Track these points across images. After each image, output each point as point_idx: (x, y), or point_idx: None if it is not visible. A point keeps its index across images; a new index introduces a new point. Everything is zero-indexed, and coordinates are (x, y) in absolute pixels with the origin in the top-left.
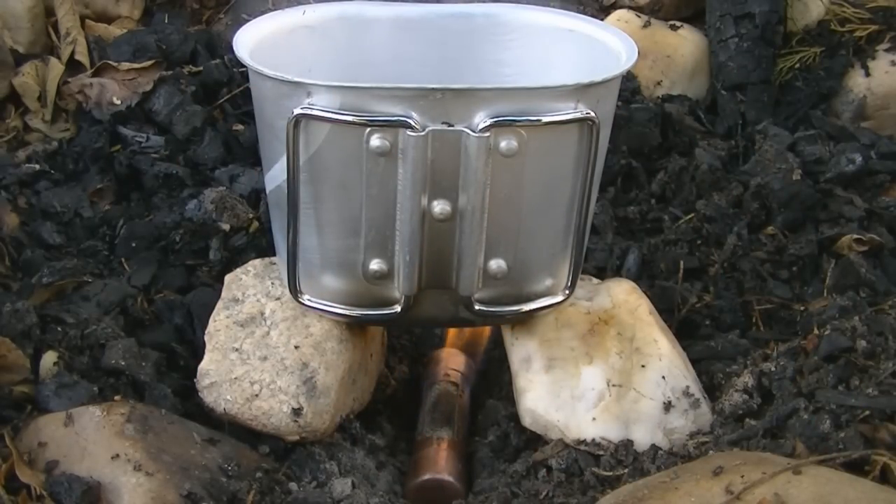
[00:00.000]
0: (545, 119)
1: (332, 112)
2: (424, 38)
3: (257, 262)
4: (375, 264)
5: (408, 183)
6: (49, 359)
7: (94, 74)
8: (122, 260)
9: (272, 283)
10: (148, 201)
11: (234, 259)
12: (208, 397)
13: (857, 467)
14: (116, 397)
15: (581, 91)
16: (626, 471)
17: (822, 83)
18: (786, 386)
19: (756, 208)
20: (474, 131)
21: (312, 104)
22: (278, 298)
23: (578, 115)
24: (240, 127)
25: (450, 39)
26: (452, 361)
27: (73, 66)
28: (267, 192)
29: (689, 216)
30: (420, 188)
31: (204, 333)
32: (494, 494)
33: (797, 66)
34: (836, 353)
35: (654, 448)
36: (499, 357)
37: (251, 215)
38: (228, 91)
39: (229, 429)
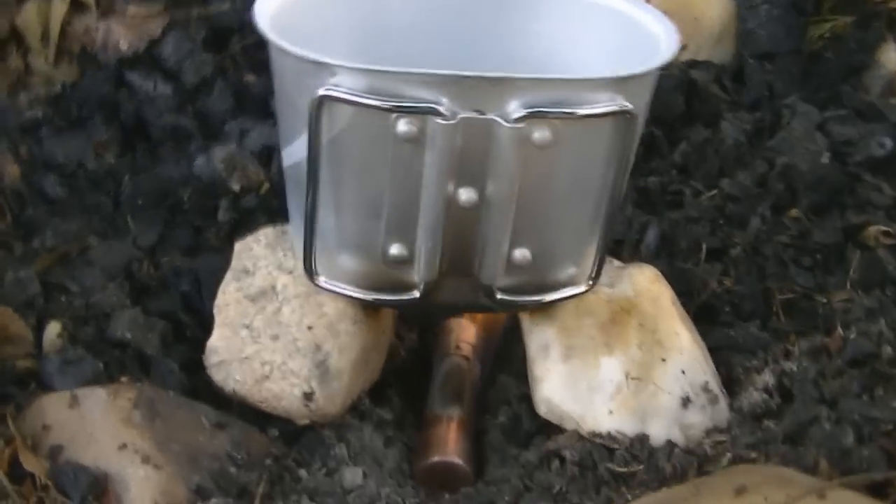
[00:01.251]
0: (581, 112)
1: (358, 95)
2: (450, 3)
3: (269, 230)
4: (396, 248)
5: (434, 169)
6: (53, 330)
7: (101, 16)
8: (128, 218)
9: (284, 255)
10: (154, 153)
11: (244, 221)
12: (217, 375)
13: (879, 490)
14: (123, 378)
15: (620, 83)
16: (640, 467)
17: (853, 56)
18: (807, 390)
19: (781, 189)
20: (507, 121)
21: (337, 85)
22: (291, 272)
23: (615, 108)
24: (251, 77)
25: (479, 6)
26: (464, 333)
27: (77, 7)
28: (284, 166)
29: (712, 192)
30: (447, 175)
31: (211, 302)
32: (507, 487)
33: (827, 34)
34: (861, 358)
35: (671, 444)
36: (510, 326)
37: (262, 176)
38: (240, 38)
39: (238, 409)
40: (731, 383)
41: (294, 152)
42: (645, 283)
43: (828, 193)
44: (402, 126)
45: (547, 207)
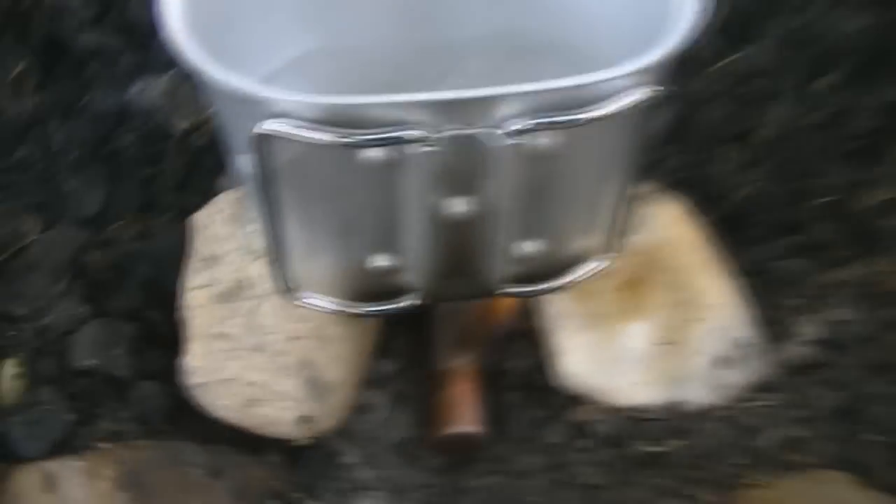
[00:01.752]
0: (589, 116)
1: (308, 128)
2: None
3: (228, 196)
4: (381, 260)
5: (414, 189)
6: (9, 372)
7: None
8: (65, 179)
9: (252, 230)
10: (78, 78)
11: (196, 164)
12: (201, 398)
13: None
14: (101, 444)
15: (635, 76)
16: (675, 444)
17: None
18: (860, 349)
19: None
20: (501, 135)
21: (281, 116)
22: (263, 256)
23: (632, 101)
24: None
25: None
26: None
27: None
28: (236, 168)
29: (732, 57)
30: (431, 193)
31: (176, 281)
32: (535, 481)
33: None
34: None
35: (708, 412)
36: None
37: (211, 108)
38: None
39: (230, 434)
40: (773, 324)
41: (244, 164)
42: (670, 225)
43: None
44: (371, 153)
45: (557, 203)
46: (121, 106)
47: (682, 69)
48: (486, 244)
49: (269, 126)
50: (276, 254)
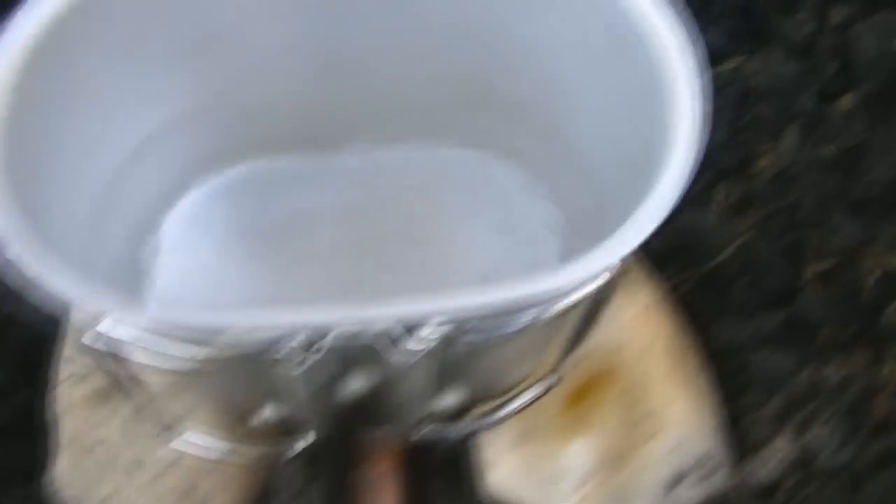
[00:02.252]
0: (517, 327)
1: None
2: None
3: None
4: (269, 411)
5: (298, 383)
6: None
7: None
8: None
9: None
10: None
11: None
12: None
13: None
14: None
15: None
16: None
17: None
18: (837, 480)
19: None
20: (406, 348)
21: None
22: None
23: (576, 300)
24: None
25: None
26: None
27: None
28: None
29: (732, 64)
30: (318, 386)
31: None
32: None
33: None
34: None
35: None
36: None
37: None
38: None
39: None
40: (739, 435)
41: None
42: (633, 323)
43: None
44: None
45: (479, 375)
46: None
47: None
48: (391, 408)
49: (89, 342)
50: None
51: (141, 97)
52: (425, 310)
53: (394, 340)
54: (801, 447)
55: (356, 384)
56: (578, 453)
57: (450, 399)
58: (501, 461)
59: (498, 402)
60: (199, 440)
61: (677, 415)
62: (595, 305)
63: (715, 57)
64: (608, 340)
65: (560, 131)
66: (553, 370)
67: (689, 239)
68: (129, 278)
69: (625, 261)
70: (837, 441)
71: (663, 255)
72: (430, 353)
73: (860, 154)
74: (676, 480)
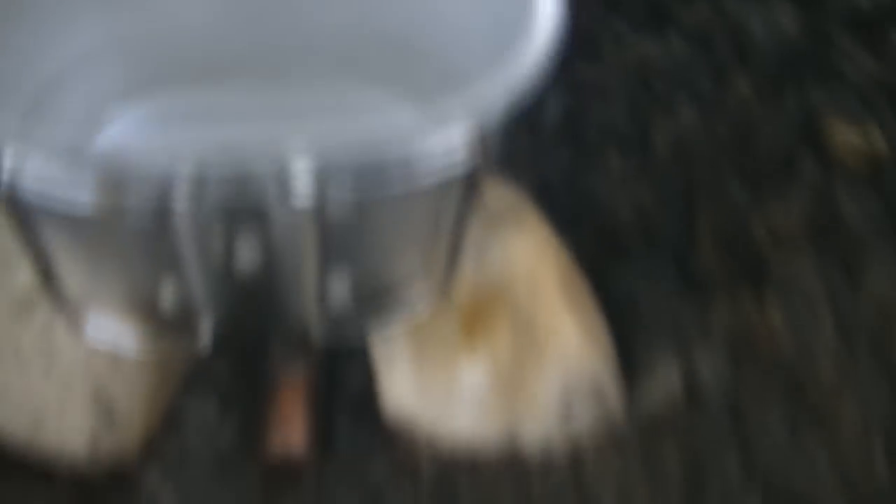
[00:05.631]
0: (393, 191)
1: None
2: None
3: None
4: (169, 303)
5: (192, 251)
6: None
7: None
8: None
9: None
10: None
11: None
12: None
13: None
14: None
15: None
16: (508, 489)
17: None
18: (718, 403)
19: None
20: (283, 205)
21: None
22: None
23: (451, 170)
24: None
25: None
26: None
27: None
28: None
29: (634, 47)
30: (210, 253)
31: None
32: None
33: None
34: (792, 379)
35: (546, 458)
36: None
37: None
38: None
39: (18, 460)
40: (632, 362)
41: None
42: (524, 253)
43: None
44: (134, 222)
45: (363, 254)
46: None
47: (581, 52)
48: (283, 295)
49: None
50: (52, 286)
51: (67, 22)
52: (295, 144)
53: (275, 192)
54: (687, 380)
55: (246, 255)
56: (473, 374)
57: (338, 287)
58: (399, 382)
59: (388, 303)
60: (107, 330)
61: (568, 341)
62: (465, 202)
63: (619, 40)
64: (501, 270)
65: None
66: (441, 286)
67: (588, 202)
68: None
69: (488, 148)
70: (723, 376)
71: (562, 215)
72: (310, 215)
73: (750, 129)
74: (568, 404)
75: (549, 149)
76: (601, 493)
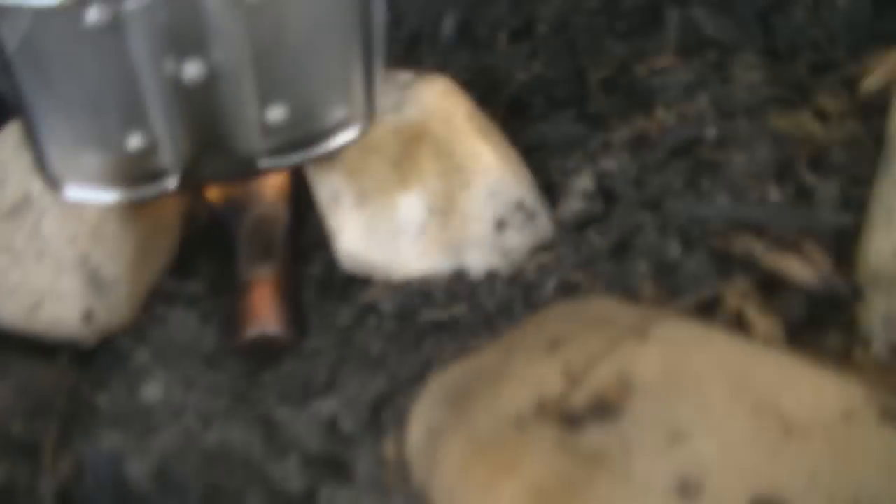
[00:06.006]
0: None
1: None
2: None
3: (14, 128)
4: (135, 139)
5: (144, 54)
6: None
7: None
8: None
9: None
10: None
11: None
12: None
13: (707, 307)
14: None
15: None
16: (462, 308)
17: None
18: (629, 191)
19: None
20: None
21: None
22: None
23: None
24: None
25: None
26: (271, 177)
27: None
28: None
29: None
30: (160, 55)
31: None
32: (322, 359)
33: None
34: (683, 144)
35: (492, 276)
36: None
37: None
38: None
39: (19, 341)
40: (552, 189)
41: None
42: (435, 100)
43: None
44: (92, 16)
45: (292, 58)
46: None
47: None
48: (229, 111)
49: None
50: (36, 144)
51: None
52: None
53: None
54: (599, 184)
55: (192, 70)
56: (411, 207)
57: (274, 114)
58: (345, 227)
59: (319, 128)
60: (82, 191)
61: (488, 165)
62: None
63: None
64: (417, 114)
65: None
66: (360, 119)
67: (488, 76)
68: None
69: None
70: (630, 174)
71: (465, 88)
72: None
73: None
74: (501, 225)
75: (452, 51)
76: (543, 291)
